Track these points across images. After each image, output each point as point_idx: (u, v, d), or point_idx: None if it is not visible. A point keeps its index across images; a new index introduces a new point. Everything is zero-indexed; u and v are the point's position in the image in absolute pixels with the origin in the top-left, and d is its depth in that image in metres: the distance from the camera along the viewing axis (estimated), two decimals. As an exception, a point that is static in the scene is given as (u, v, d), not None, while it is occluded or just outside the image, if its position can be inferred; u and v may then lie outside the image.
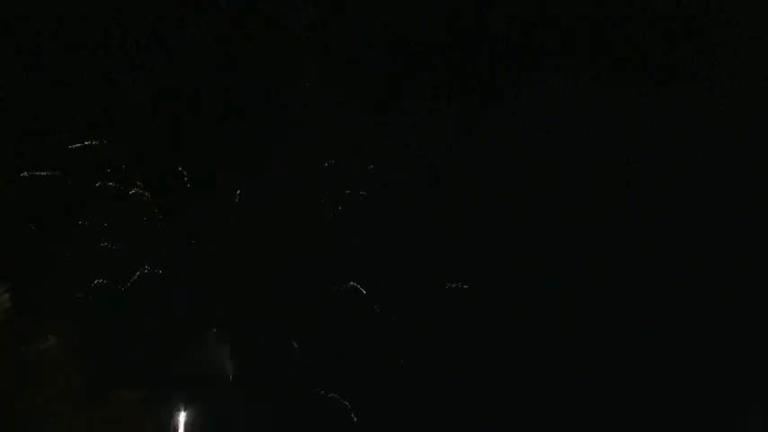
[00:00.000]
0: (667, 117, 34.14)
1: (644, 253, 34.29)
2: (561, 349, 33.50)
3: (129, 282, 30.97)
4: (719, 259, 33.46)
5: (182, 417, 29.84)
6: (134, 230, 31.62)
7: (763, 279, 32.83)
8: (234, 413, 30.33)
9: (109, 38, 31.62)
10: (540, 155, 34.20)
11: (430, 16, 33.83)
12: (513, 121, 33.73)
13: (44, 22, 30.89)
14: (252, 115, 33.01)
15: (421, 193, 33.74)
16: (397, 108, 33.05)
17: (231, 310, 32.41)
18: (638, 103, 33.92)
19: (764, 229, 33.27)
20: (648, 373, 33.34)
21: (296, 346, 32.49)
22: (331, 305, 32.88)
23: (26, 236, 29.44)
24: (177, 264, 31.97)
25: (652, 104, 34.04)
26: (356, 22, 33.06)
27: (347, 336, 32.72)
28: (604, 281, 33.53)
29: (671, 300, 33.48)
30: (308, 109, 32.76)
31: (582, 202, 34.00)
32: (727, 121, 33.53)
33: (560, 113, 34.11)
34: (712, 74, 33.90)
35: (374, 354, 32.77)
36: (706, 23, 33.50)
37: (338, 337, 32.69)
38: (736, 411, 32.28)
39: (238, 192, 32.53)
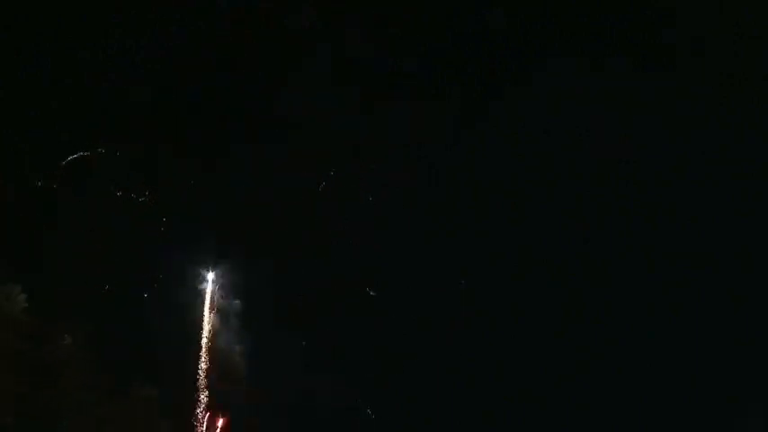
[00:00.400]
0: (667, 117, 34.18)
1: (644, 253, 34.38)
2: (561, 349, 33.59)
3: (148, 290, 31.18)
4: (719, 259, 33.54)
5: (210, 275, 32.58)
6: (141, 233, 31.67)
7: (763, 279, 32.91)
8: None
9: (109, 38, 31.57)
10: (539, 155, 34.25)
11: (430, 16, 33.82)
12: (513, 121, 33.76)
13: (44, 22, 30.85)
14: (252, 115, 33.08)
15: (421, 193, 33.84)
16: (398, 108, 33.07)
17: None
18: (639, 102, 34.00)
19: (764, 229, 33.31)
20: (648, 373, 33.45)
21: (304, 343, 32.76)
22: (332, 305, 32.94)
23: (40, 239, 29.50)
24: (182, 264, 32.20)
25: (652, 104, 34.10)
26: (356, 22, 33.06)
27: (348, 335, 32.84)
28: (604, 281, 33.64)
29: (671, 300, 33.55)
30: (308, 109, 32.77)
31: (582, 202, 34.07)
32: (727, 121, 33.55)
33: (560, 113, 34.16)
34: (712, 73, 33.87)
35: (375, 353, 32.90)
36: (706, 23, 33.48)
37: (339, 336, 32.82)
38: (736, 411, 32.36)
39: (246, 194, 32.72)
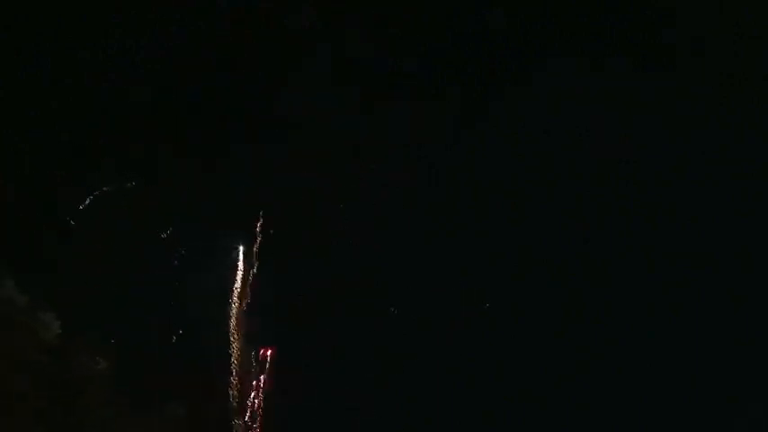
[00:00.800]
0: (667, 117, 34.17)
1: (644, 253, 34.38)
2: (561, 349, 33.59)
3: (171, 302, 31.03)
4: (719, 259, 33.54)
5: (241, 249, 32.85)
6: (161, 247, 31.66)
7: (763, 279, 32.91)
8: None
9: (109, 38, 31.56)
10: (540, 155, 34.26)
11: (430, 16, 33.81)
12: (513, 121, 33.77)
13: (44, 22, 30.85)
14: (252, 115, 33.08)
15: (421, 193, 33.83)
16: (398, 108, 33.07)
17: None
18: (639, 102, 33.99)
19: (764, 229, 33.31)
20: (648, 373, 33.47)
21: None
22: (331, 305, 32.93)
23: (73, 263, 29.49)
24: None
25: (652, 104, 34.09)
26: (356, 22, 33.05)
27: (347, 336, 32.85)
28: (604, 281, 33.65)
29: (671, 300, 33.56)
30: (308, 109, 32.79)
31: (582, 202, 34.07)
32: (727, 121, 33.56)
33: (560, 113, 34.16)
34: (712, 73, 33.87)
35: (374, 354, 32.90)
36: (706, 23, 33.47)
37: (339, 337, 32.84)
38: (737, 411, 32.38)
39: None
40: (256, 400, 32.01)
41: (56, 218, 30.44)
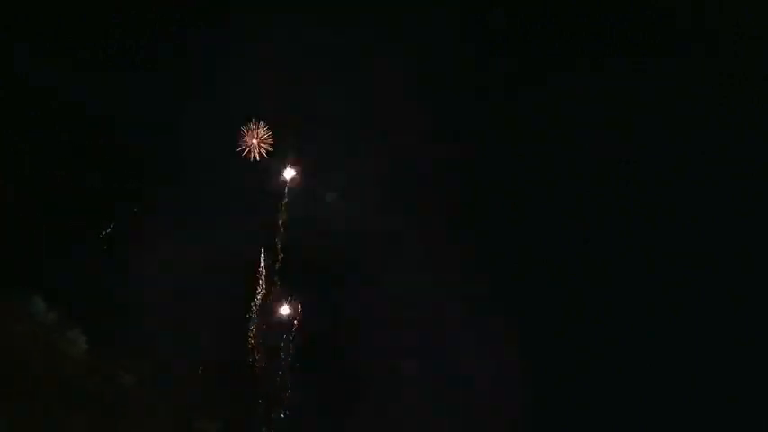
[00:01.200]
0: (667, 117, 34.19)
1: (644, 253, 34.39)
2: (561, 349, 33.61)
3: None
4: (719, 259, 33.54)
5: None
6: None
7: (763, 279, 32.91)
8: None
9: (109, 38, 31.59)
10: (540, 155, 34.28)
11: (430, 16, 33.82)
12: (513, 121, 33.80)
13: (44, 22, 30.87)
14: (251, 115, 33.13)
15: (421, 193, 33.86)
16: (397, 108, 33.08)
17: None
18: (639, 102, 34.01)
19: (765, 229, 33.32)
20: (649, 373, 33.48)
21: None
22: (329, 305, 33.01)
23: (99, 279, 29.43)
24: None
25: (652, 104, 34.11)
26: (358, 22, 33.09)
27: (344, 336, 32.92)
28: (604, 281, 33.65)
29: (671, 300, 33.57)
30: (308, 109, 32.85)
31: (582, 202, 34.08)
32: (727, 121, 33.57)
33: (560, 113, 34.16)
34: (712, 73, 33.89)
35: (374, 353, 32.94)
36: (706, 23, 33.51)
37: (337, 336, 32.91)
38: (737, 411, 32.41)
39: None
40: (282, 412, 32.06)
41: (73, 227, 30.36)
